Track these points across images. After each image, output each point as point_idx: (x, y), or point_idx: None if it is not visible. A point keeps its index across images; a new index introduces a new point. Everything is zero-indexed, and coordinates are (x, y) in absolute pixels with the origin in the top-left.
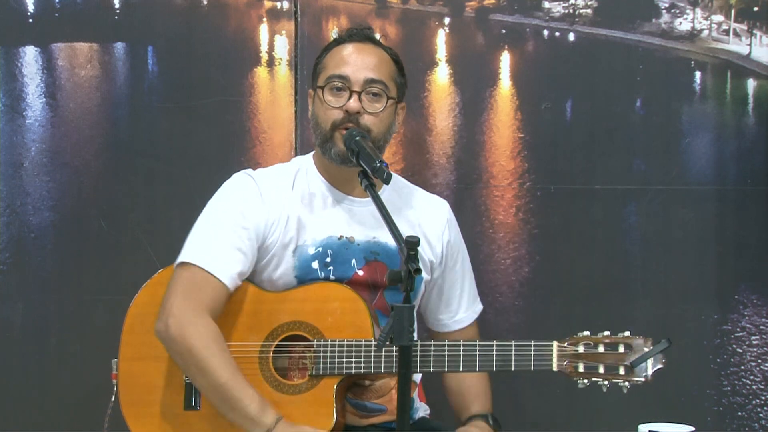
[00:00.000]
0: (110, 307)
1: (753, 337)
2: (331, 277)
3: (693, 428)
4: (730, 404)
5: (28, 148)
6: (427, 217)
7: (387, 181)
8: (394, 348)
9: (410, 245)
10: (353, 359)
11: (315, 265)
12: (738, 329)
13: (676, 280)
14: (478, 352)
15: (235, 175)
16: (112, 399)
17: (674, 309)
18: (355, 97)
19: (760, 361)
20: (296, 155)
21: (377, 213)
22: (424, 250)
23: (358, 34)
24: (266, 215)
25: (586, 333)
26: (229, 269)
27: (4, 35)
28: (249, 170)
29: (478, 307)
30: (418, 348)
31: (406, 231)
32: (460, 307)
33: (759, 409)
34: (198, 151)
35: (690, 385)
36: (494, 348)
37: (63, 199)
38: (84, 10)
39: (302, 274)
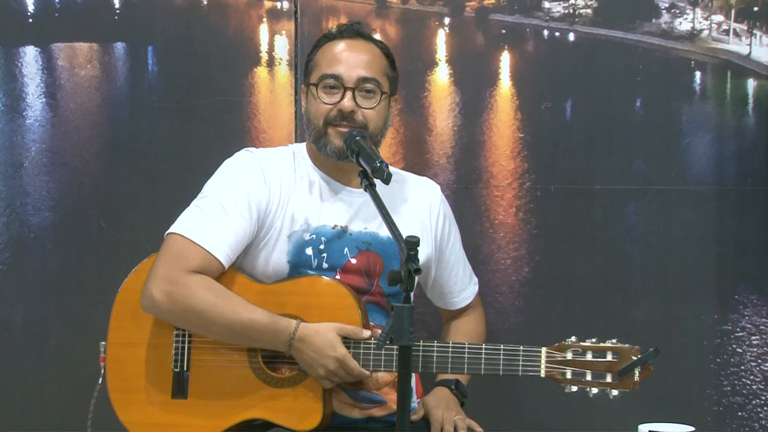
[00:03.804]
0: (110, 307)
1: (753, 337)
2: (324, 264)
3: (693, 428)
4: (730, 404)
5: (28, 148)
6: (421, 203)
7: (387, 181)
8: (381, 346)
9: (410, 245)
10: None
11: (309, 251)
12: (738, 329)
13: (676, 280)
14: (466, 355)
15: (238, 153)
16: (99, 382)
17: (674, 309)
18: (348, 95)
19: (760, 361)
20: None
21: (366, 202)
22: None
23: (349, 29)
24: (268, 194)
25: (573, 339)
26: (220, 243)
27: (4, 35)
28: (251, 148)
29: (475, 280)
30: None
31: (402, 222)
32: (465, 284)
33: (759, 409)
34: (198, 151)
35: (690, 385)
36: (483, 351)
37: (63, 199)
38: (84, 10)
39: (295, 260)
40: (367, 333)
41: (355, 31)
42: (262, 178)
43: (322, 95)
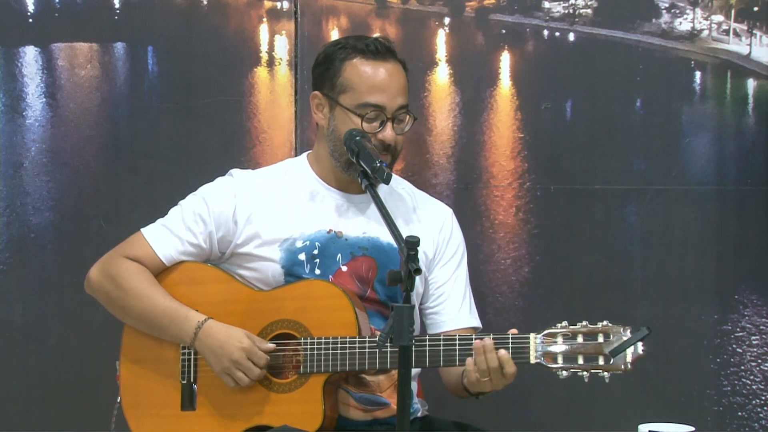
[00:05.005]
0: None
1: (753, 337)
2: (317, 270)
3: (693, 428)
4: (730, 404)
5: (28, 148)
6: (427, 213)
7: (387, 181)
8: (381, 346)
9: (410, 245)
10: (338, 357)
11: (302, 257)
12: (738, 329)
13: (676, 280)
14: (457, 346)
15: (225, 176)
16: (118, 400)
17: (674, 309)
18: (389, 125)
19: (760, 361)
20: (296, 155)
21: (370, 208)
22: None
23: (384, 49)
24: (232, 208)
25: (564, 323)
26: (167, 245)
27: (4, 35)
28: (236, 169)
29: (473, 322)
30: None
31: (402, 225)
32: (450, 310)
33: (759, 409)
34: (198, 151)
35: (690, 385)
36: (473, 341)
37: (63, 199)
38: (84, 10)
39: (289, 265)
40: (271, 345)
41: (389, 49)
42: (230, 193)
43: (366, 126)
